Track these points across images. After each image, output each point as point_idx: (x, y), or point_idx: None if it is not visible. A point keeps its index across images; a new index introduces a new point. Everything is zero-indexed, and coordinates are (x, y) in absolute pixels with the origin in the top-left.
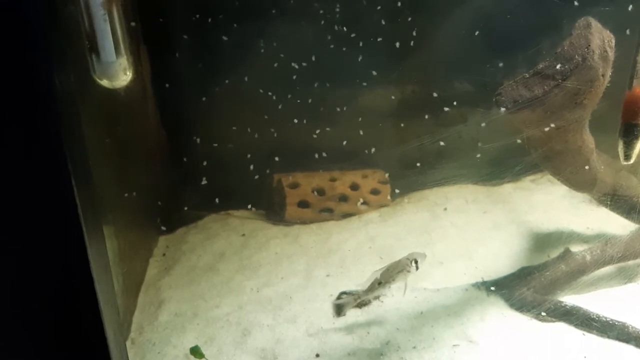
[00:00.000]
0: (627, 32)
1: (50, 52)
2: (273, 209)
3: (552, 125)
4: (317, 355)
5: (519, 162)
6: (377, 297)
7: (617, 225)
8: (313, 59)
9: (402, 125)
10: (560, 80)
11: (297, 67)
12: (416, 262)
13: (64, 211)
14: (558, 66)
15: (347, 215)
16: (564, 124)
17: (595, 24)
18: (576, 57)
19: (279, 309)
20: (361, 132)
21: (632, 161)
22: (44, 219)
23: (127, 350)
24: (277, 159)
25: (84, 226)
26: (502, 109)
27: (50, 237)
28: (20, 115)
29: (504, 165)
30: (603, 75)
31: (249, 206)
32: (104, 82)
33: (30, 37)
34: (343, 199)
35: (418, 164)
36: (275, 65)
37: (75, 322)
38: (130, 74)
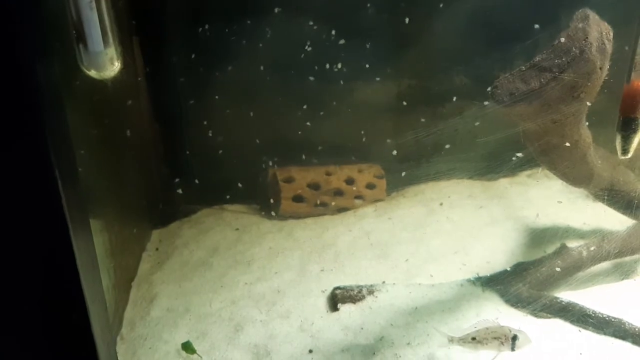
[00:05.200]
0: (626, 24)
1: (33, 41)
2: (268, 203)
3: (549, 118)
4: (310, 351)
5: (515, 157)
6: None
7: (614, 220)
8: (309, 51)
9: (398, 119)
10: (557, 73)
11: (292, 60)
12: (514, 340)
13: (49, 207)
14: (555, 59)
15: (342, 209)
16: (561, 117)
17: (593, 16)
18: (574, 49)
19: (272, 304)
20: (357, 127)
21: (629, 155)
22: (28, 215)
23: (115, 347)
24: (272, 152)
25: (69, 222)
26: (498, 102)
27: (34, 234)
28: (3, 107)
29: (500, 160)
30: (601, 68)
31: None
32: (92, 73)
33: (13, 26)
34: (338, 193)
35: (414, 158)
36: (271, 58)
37: (61, 319)
38: (119, 64)
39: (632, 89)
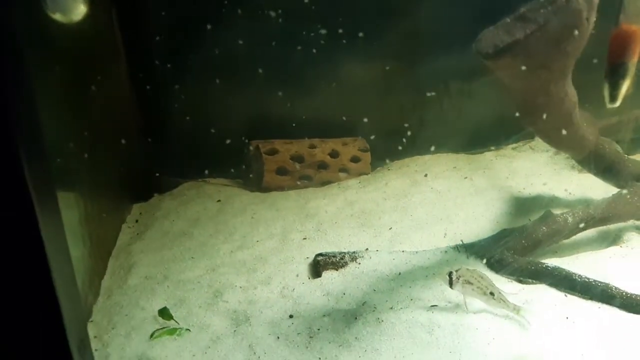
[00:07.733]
0: None
1: None
2: (251, 176)
3: (534, 74)
4: (291, 316)
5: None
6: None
7: (599, 190)
8: (294, 26)
9: (383, 94)
10: (542, 23)
11: (277, 32)
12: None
13: (9, 174)
14: (540, 9)
15: (326, 182)
16: (547, 73)
17: None
18: None
19: (252, 271)
20: (343, 101)
21: (618, 103)
22: None
23: (85, 318)
24: (255, 126)
25: (32, 190)
26: (482, 55)
27: None
28: None
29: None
30: (587, 19)
31: None
32: (57, 17)
33: None
34: (322, 166)
35: (399, 133)
36: (255, 29)
37: (26, 295)
38: (84, 8)
39: (620, 33)
